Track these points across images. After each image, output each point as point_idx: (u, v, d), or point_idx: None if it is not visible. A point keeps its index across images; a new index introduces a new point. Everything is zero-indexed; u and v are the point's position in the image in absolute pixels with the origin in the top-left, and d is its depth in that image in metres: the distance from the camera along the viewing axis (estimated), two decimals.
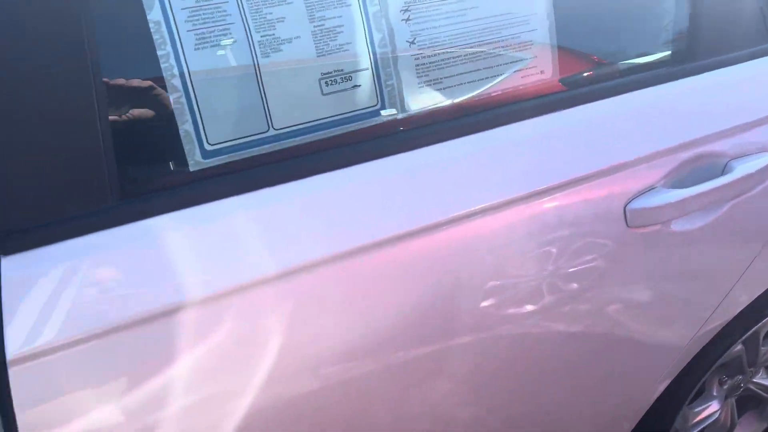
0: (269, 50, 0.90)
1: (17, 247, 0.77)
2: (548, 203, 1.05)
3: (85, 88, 0.79)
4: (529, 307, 1.10)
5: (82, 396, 0.81)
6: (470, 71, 1.04)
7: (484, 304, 1.04)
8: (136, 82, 0.85)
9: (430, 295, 0.99)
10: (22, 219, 0.77)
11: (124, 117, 0.84)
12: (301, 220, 0.90)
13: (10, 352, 0.75)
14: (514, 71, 1.08)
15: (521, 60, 1.08)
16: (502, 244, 1.03)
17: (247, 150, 0.91)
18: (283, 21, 0.90)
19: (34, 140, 0.77)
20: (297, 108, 0.93)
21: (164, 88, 0.85)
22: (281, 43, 0.90)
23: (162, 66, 0.84)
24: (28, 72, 0.76)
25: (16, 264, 0.77)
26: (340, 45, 0.94)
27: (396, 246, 0.94)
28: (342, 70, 0.95)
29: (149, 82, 0.85)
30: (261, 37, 0.89)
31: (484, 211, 1.00)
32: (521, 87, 1.08)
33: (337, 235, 0.91)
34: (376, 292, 0.95)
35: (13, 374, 0.75)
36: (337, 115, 0.96)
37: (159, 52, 0.84)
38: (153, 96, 0.85)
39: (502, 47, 1.06)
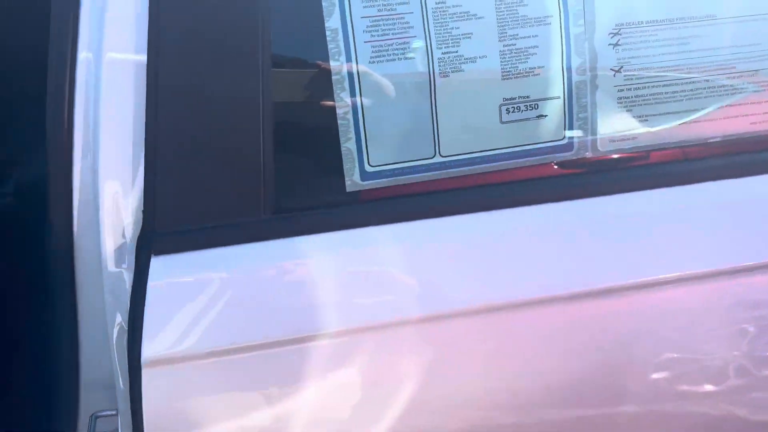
0: (449, 69, 0.81)
1: (167, 249, 0.76)
2: (761, 279, 0.85)
3: (252, 97, 0.75)
4: (710, 390, 0.91)
5: (206, 407, 0.79)
6: (685, 111, 0.87)
7: (655, 377, 0.88)
8: (303, 93, 0.80)
9: (590, 362, 0.85)
10: (174, 222, 0.76)
11: (286, 129, 0.80)
12: (457, 261, 0.80)
13: (146, 355, 0.74)
14: (743, 116, 0.88)
15: (755, 103, 0.87)
16: (693, 319, 0.85)
17: (409, 176, 0.83)
18: (469, 38, 0.80)
19: (196, 145, 0.76)
20: (470, 135, 0.83)
21: (331, 101, 0.79)
22: (463, 62, 0.81)
23: (333, 78, 0.78)
24: (200, 79, 0.75)
25: (164, 265, 0.76)
26: (530, 68, 0.82)
27: (560, 307, 0.81)
28: (528, 97, 0.83)
29: (317, 94, 0.80)
30: (442, 53, 0.80)
31: (676, 281, 0.83)
32: (749, 136, 0.88)
33: (494, 285, 0.80)
34: (529, 352, 0.83)
35: (146, 375, 0.75)
36: (515, 147, 0.84)
37: (332, 63, 0.78)
38: (318, 109, 0.80)
39: (732, 86, 0.86)
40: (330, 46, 0.78)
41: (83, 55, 0.74)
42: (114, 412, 0.85)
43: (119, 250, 0.78)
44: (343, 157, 0.81)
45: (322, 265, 0.78)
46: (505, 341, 0.83)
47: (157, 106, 0.74)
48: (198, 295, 0.76)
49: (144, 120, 0.75)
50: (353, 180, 0.81)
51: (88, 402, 0.90)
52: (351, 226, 0.79)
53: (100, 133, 0.75)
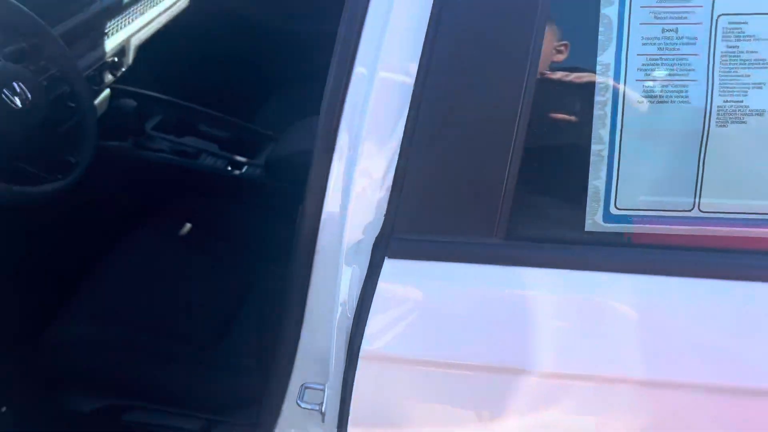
0: (729, 119, 0.73)
1: (400, 254, 0.79)
2: None
3: (508, 122, 0.76)
4: None
5: (407, 409, 0.82)
6: None
7: None
8: (558, 122, 0.78)
9: None
10: (411, 229, 0.79)
11: (534, 156, 0.79)
12: (698, 329, 0.73)
13: (365, 347, 0.79)
14: None
15: None
16: None
17: (659, 226, 0.77)
18: (760, 88, 0.72)
19: (445, 160, 0.78)
20: (740, 193, 0.75)
21: (587, 135, 0.76)
22: (748, 114, 0.73)
23: (595, 113, 0.75)
24: (461, 99, 0.77)
25: (396, 268, 0.79)
26: None
27: None
28: None
29: (573, 125, 0.78)
30: (724, 101, 0.73)
31: None
32: None
33: (731, 365, 0.71)
34: None
35: (361, 367, 0.80)
36: None
37: (597, 98, 0.75)
38: (571, 141, 0.78)
39: None
40: (598, 80, 0.75)
41: (359, 69, 0.80)
42: (322, 387, 0.91)
43: (358, 244, 0.83)
44: (588, 194, 0.78)
45: (547, 302, 0.76)
46: (730, 427, 0.74)
47: (417, 118, 0.78)
48: (421, 304, 0.79)
49: (402, 129, 0.79)
50: (594, 220, 0.78)
51: (300, 371, 0.98)
52: (584, 267, 0.76)
53: (362, 134, 0.81)
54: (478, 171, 0.78)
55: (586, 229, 0.78)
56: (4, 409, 1.46)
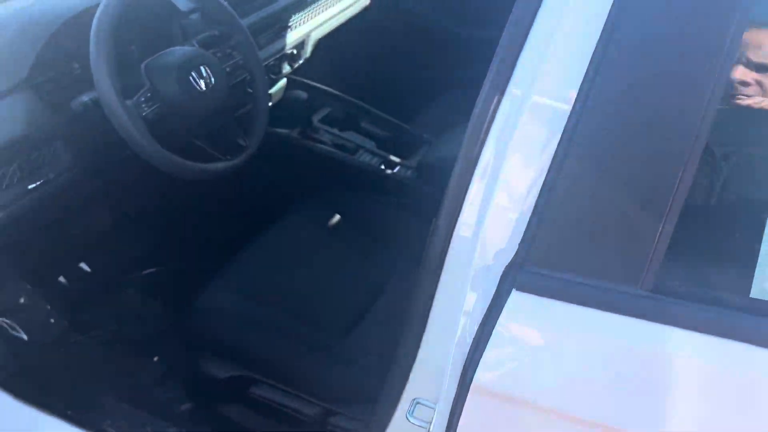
0: None
1: (530, 288, 0.75)
2: None
3: (672, 166, 0.68)
4: None
5: None
6: None
7: None
8: (732, 173, 0.69)
9: None
10: (546, 263, 0.74)
11: (698, 204, 0.70)
12: None
13: (478, 379, 0.75)
14: None
15: None
16: None
17: None
18: None
19: (593, 196, 0.72)
20: None
21: (766, 189, 0.66)
22: None
23: None
24: (620, 140, 0.70)
25: (522, 302, 0.75)
26: None
27: None
28: None
29: (749, 177, 0.68)
30: None
31: None
32: None
33: None
34: None
35: (471, 398, 0.76)
36: None
37: None
38: (745, 194, 0.68)
39: None
40: None
41: (513, 90, 0.76)
42: (433, 407, 0.89)
43: (487, 269, 0.79)
44: (759, 256, 0.67)
45: (691, 370, 0.67)
46: None
47: (568, 148, 0.72)
48: (545, 345, 0.74)
49: (551, 156, 0.74)
50: (764, 287, 0.67)
51: (414, 384, 0.96)
52: (743, 338, 0.66)
53: (507, 154, 0.77)
54: (630, 212, 0.71)
55: (751, 295, 0.68)
56: (156, 358, 1.61)
